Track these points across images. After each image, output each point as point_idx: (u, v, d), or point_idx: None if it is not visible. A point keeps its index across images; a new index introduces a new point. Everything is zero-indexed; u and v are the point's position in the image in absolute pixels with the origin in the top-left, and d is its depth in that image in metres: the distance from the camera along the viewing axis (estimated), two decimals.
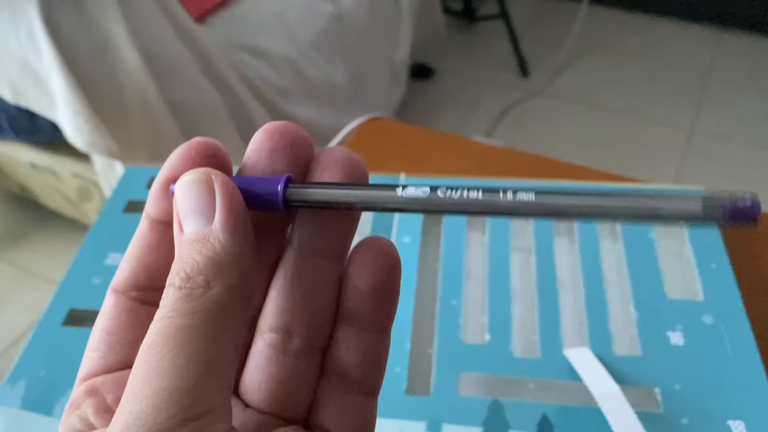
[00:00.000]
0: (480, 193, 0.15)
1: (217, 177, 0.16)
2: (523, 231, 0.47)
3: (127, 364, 0.17)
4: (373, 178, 0.51)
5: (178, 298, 0.15)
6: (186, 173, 0.16)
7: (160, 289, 0.16)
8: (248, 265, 0.16)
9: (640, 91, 1.77)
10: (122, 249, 0.47)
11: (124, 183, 0.53)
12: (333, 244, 0.17)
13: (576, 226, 0.46)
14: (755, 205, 0.13)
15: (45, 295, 0.45)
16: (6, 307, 1.26)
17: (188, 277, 0.15)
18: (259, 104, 1.11)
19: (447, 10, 1.90)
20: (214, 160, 0.17)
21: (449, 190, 0.15)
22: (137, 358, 0.15)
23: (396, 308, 0.17)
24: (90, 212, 1.20)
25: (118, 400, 0.15)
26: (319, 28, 1.22)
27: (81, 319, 0.43)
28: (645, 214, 0.13)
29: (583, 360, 0.38)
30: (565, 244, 0.46)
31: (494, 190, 0.15)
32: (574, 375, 0.37)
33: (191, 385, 0.14)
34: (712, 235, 0.44)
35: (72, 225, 1.32)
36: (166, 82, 0.96)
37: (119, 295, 0.17)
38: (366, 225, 0.47)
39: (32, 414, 0.38)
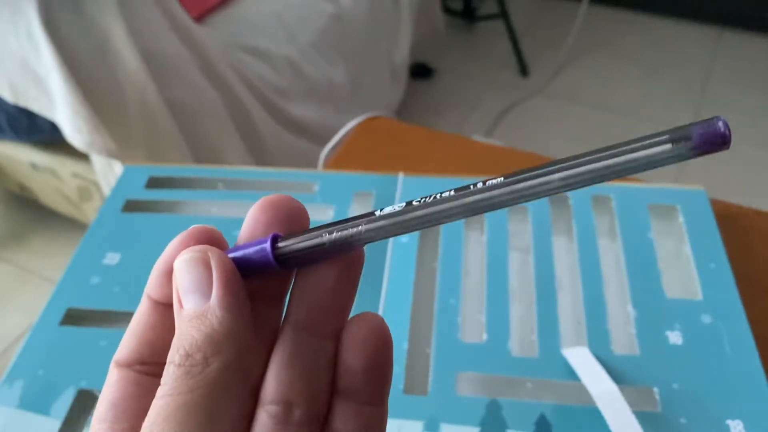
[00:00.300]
0: (452, 191, 0.15)
1: (213, 254, 0.16)
2: (522, 230, 0.46)
3: None
4: (373, 178, 0.51)
5: (178, 376, 0.15)
6: (184, 251, 0.17)
7: (164, 364, 0.17)
8: (246, 339, 0.16)
9: (639, 90, 1.77)
10: (121, 248, 0.47)
11: (122, 182, 0.52)
12: (329, 322, 0.17)
13: (574, 225, 0.46)
14: (723, 126, 0.13)
15: (45, 294, 0.44)
16: (6, 307, 1.26)
17: (187, 355, 0.15)
18: (259, 104, 1.11)
19: (447, 10, 1.90)
20: (212, 243, 0.18)
21: (424, 198, 0.15)
22: None
23: (390, 382, 0.18)
24: (90, 212, 1.20)
25: None
26: (319, 28, 1.22)
27: (79, 318, 0.43)
28: (621, 170, 0.14)
29: (581, 359, 0.38)
30: (564, 243, 0.46)
31: (465, 186, 0.15)
32: (572, 375, 0.37)
33: None
34: (711, 235, 0.44)
35: (72, 225, 1.32)
36: (166, 82, 0.96)
37: (123, 368, 0.18)
38: None
39: (30, 414, 0.38)
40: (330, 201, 0.49)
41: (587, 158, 0.14)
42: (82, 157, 1.07)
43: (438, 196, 0.15)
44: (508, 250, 0.45)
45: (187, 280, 0.16)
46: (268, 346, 0.18)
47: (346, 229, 0.16)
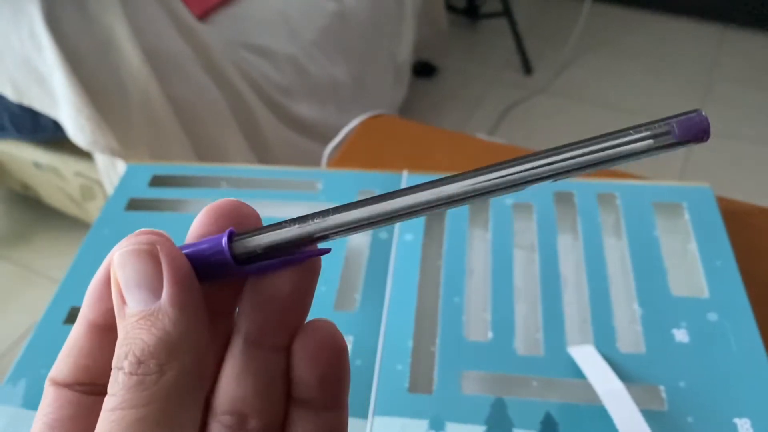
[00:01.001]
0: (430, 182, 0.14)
1: (162, 246, 0.15)
2: (527, 228, 0.46)
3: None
4: (376, 176, 0.51)
5: (130, 387, 0.14)
6: (127, 240, 0.15)
7: (102, 384, 0.15)
8: (203, 343, 0.14)
9: (644, 88, 1.76)
10: None
11: (125, 181, 0.52)
12: (282, 337, 0.16)
13: (579, 223, 0.46)
14: (703, 118, 0.13)
15: (48, 294, 0.44)
16: (9, 306, 1.26)
17: (138, 362, 0.14)
18: (262, 102, 1.11)
19: (450, 8, 1.90)
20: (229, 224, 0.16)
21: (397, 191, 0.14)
22: None
23: (347, 385, 0.17)
24: (93, 211, 1.20)
25: None
26: (322, 27, 1.22)
27: None
28: (604, 160, 0.14)
29: (587, 358, 0.37)
30: (569, 241, 0.46)
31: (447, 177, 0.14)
32: (577, 373, 0.37)
33: None
34: (717, 232, 0.44)
35: (75, 224, 1.33)
36: (168, 81, 0.96)
37: (59, 388, 0.16)
38: None
39: (33, 413, 0.38)
40: (334, 199, 0.49)
41: (570, 149, 0.14)
42: (85, 155, 1.07)
43: (413, 187, 0.14)
44: (512, 248, 0.44)
45: (131, 273, 0.14)
46: (219, 349, 0.17)
47: (312, 220, 0.15)
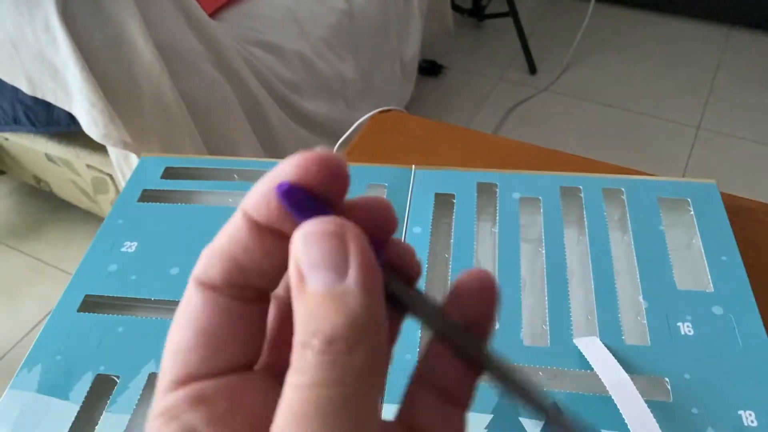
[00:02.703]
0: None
1: (350, 228, 0.15)
2: (533, 222, 0.47)
3: (231, 368, 0.16)
4: (385, 170, 0.51)
5: (322, 365, 0.13)
6: (312, 222, 0.15)
7: (254, 288, 0.16)
8: (384, 328, 0.15)
9: (647, 88, 1.77)
10: (138, 237, 0.48)
11: (138, 173, 0.53)
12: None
13: (585, 217, 0.46)
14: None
15: (60, 285, 0.45)
16: (22, 298, 1.27)
17: (330, 341, 0.14)
18: (271, 98, 1.12)
19: (456, 8, 1.90)
20: (333, 179, 0.16)
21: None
22: (280, 425, 0.14)
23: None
24: (105, 204, 1.21)
25: (232, 410, 0.15)
26: (330, 24, 1.22)
27: (97, 305, 0.44)
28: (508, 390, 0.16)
29: (592, 349, 0.38)
30: (575, 235, 0.46)
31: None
32: (583, 364, 0.38)
33: None
34: (722, 227, 0.44)
35: (87, 217, 1.34)
36: (180, 76, 0.97)
37: (209, 291, 0.16)
38: None
39: (48, 398, 0.39)
40: None
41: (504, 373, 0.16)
42: (97, 149, 1.08)
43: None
44: (519, 242, 0.45)
45: (317, 254, 0.14)
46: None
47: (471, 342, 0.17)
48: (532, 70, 1.83)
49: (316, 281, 0.14)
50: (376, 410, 0.14)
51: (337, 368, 0.13)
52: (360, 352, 0.14)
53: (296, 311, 0.15)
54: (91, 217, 1.32)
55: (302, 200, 0.15)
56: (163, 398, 0.15)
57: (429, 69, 1.81)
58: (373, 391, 0.14)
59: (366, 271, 0.14)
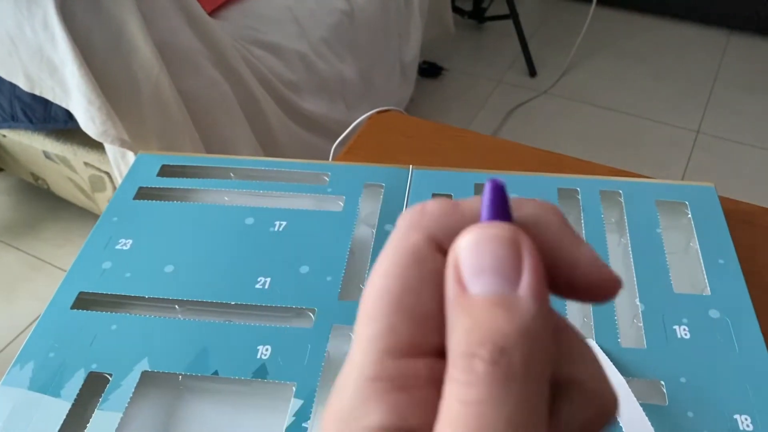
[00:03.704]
0: None
1: (523, 236, 0.14)
2: None
3: (435, 352, 0.14)
4: (383, 169, 0.51)
5: (494, 379, 0.12)
6: (485, 226, 0.14)
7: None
8: (553, 341, 0.14)
9: (647, 91, 1.77)
10: (133, 235, 0.47)
11: (135, 170, 0.53)
12: None
13: (582, 219, 0.46)
14: None
15: (56, 283, 0.45)
16: (18, 295, 1.27)
17: (501, 351, 0.13)
18: (270, 98, 1.11)
19: (457, 10, 1.90)
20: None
21: None
22: None
23: None
24: (102, 202, 1.21)
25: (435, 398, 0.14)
26: (331, 24, 1.22)
27: (90, 302, 0.43)
28: None
29: None
30: None
31: None
32: None
33: None
34: (720, 231, 0.44)
35: (84, 215, 1.34)
36: (179, 74, 0.96)
37: (431, 249, 0.15)
38: (374, 216, 0.48)
39: (40, 395, 0.38)
40: (340, 192, 0.49)
41: None
42: (95, 146, 1.08)
43: None
44: None
45: (488, 258, 0.14)
46: None
47: None
48: (532, 72, 1.83)
49: (480, 287, 0.13)
50: (547, 421, 0.13)
51: (510, 383, 0.12)
52: (535, 366, 0.13)
53: (454, 320, 0.14)
54: (88, 215, 1.32)
55: (499, 204, 0.15)
56: (384, 362, 0.14)
57: (429, 70, 1.81)
58: (545, 406, 0.13)
59: (539, 279, 0.13)
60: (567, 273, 0.15)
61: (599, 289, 0.15)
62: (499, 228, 0.14)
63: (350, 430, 0.13)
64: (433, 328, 0.14)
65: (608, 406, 0.14)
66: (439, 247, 0.15)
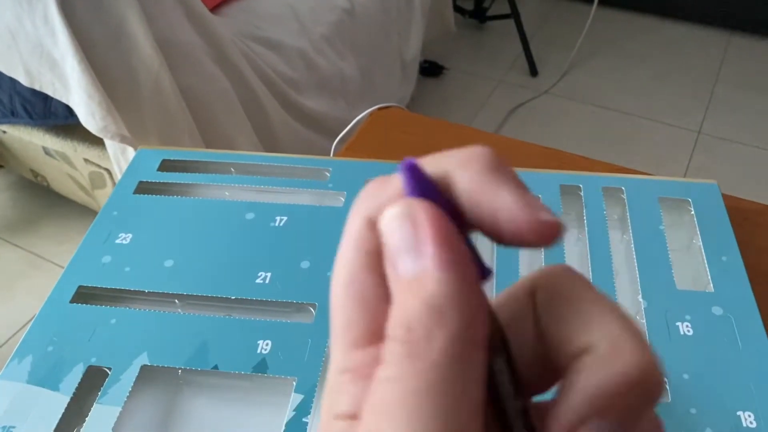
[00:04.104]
0: None
1: (418, 206, 0.14)
2: None
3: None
4: (385, 165, 0.51)
5: (402, 357, 0.13)
6: (388, 206, 0.14)
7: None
8: (474, 303, 0.13)
9: (648, 91, 1.76)
10: (132, 229, 0.47)
11: (135, 165, 0.53)
12: None
13: (584, 216, 0.46)
14: None
15: (55, 280, 0.45)
16: (16, 292, 1.27)
17: (408, 329, 0.13)
18: (271, 95, 1.11)
19: (458, 9, 1.90)
20: None
21: None
22: (367, 421, 0.13)
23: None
24: (102, 199, 1.20)
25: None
26: (332, 22, 1.22)
27: (90, 296, 0.43)
28: None
29: None
30: (574, 233, 0.46)
31: None
32: None
33: None
34: (723, 228, 0.44)
35: (84, 212, 1.33)
36: (179, 70, 0.96)
37: (365, 225, 0.15)
38: None
39: (38, 389, 0.38)
40: (341, 188, 0.49)
41: None
42: (95, 142, 1.07)
43: None
44: None
45: (397, 238, 0.14)
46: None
47: None
48: (533, 72, 1.83)
49: (400, 266, 0.14)
50: (467, 400, 0.13)
51: (415, 359, 0.13)
52: (439, 339, 0.13)
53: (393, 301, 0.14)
54: (88, 212, 1.32)
55: (420, 182, 0.15)
56: (349, 354, 0.14)
57: (430, 70, 1.80)
58: (462, 377, 0.13)
59: (440, 248, 0.13)
60: (491, 222, 0.15)
61: (529, 234, 0.14)
62: (397, 205, 0.14)
63: (326, 421, 0.14)
64: (386, 312, 0.14)
65: (630, 366, 0.13)
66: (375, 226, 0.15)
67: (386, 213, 0.14)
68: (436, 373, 0.12)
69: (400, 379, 0.13)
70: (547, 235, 0.14)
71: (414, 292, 0.13)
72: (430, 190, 0.15)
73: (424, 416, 0.12)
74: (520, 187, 0.15)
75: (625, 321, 0.14)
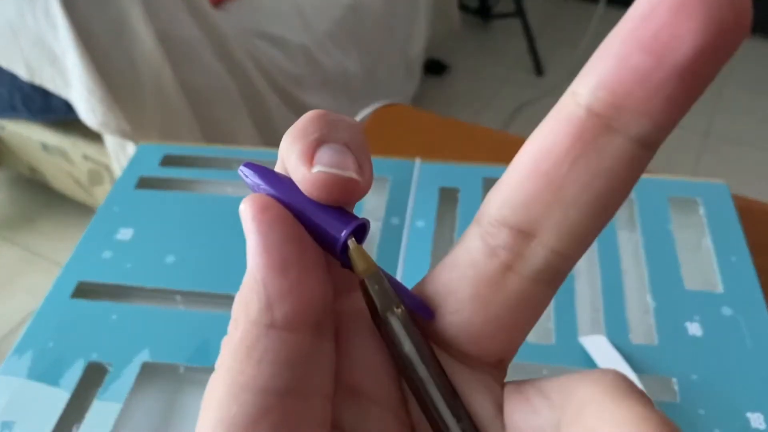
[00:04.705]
0: None
1: (249, 204, 0.14)
2: None
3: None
4: (389, 162, 0.50)
5: (224, 343, 0.14)
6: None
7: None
8: (274, 290, 0.13)
9: None
10: (133, 225, 0.47)
11: (136, 160, 0.52)
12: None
13: None
14: None
15: (53, 278, 0.44)
16: (14, 289, 1.26)
17: (233, 318, 0.14)
18: (273, 91, 1.11)
19: (463, 7, 1.89)
20: None
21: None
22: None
23: None
24: (100, 196, 1.20)
25: None
26: (335, 18, 1.21)
27: (90, 292, 0.43)
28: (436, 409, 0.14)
29: (599, 347, 0.37)
30: None
31: None
32: (588, 362, 0.37)
33: None
34: (733, 228, 0.44)
35: (82, 209, 1.33)
36: (181, 65, 0.96)
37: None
38: (380, 209, 0.47)
39: (38, 384, 0.38)
40: None
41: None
42: (94, 138, 1.07)
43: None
44: None
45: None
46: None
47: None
48: (539, 71, 1.82)
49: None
50: (257, 387, 0.13)
51: (224, 347, 0.13)
52: (239, 327, 0.13)
53: None
54: (86, 210, 1.31)
55: (263, 172, 0.15)
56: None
57: (434, 68, 1.80)
58: (251, 360, 0.13)
59: (255, 237, 0.14)
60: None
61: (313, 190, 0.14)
62: (246, 199, 0.14)
63: None
64: None
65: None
66: None
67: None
68: (229, 360, 0.13)
69: (219, 366, 0.13)
70: (342, 193, 0.14)
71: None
72: (269, 182, 0.15)
73: (215, 402, 0.13)
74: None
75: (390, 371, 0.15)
